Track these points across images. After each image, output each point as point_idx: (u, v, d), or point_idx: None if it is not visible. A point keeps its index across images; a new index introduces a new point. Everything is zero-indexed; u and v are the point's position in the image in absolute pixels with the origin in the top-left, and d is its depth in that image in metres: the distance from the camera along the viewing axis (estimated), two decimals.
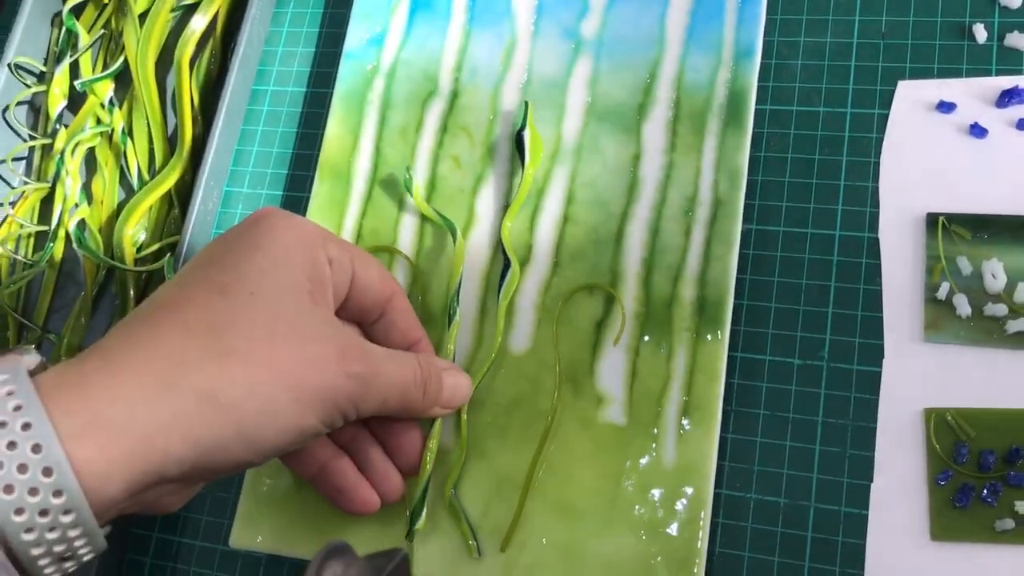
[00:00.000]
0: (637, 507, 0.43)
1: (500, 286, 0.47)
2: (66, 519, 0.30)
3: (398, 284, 0.44)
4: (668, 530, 0.42)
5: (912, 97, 0.47)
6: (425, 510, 0.44)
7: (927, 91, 0.47)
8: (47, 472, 0.30)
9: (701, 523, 0.42)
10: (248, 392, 0.33)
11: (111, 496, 0.31)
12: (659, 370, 0.44)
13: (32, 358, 0.33)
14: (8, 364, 0.31)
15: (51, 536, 0.30)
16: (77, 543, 0.31)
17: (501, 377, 0.46)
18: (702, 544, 0.42)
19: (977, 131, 0.45)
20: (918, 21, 0.48)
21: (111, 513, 0.32)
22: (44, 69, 0.58)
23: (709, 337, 0.44)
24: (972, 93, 0.46)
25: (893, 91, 0.47)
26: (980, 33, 0.47)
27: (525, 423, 0.45)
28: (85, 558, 0.32)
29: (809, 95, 0.48)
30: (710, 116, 0.47)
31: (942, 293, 0.43)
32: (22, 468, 0.29)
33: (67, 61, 0.57)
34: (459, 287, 0.47)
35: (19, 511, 0.29)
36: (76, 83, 0.56)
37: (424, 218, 0.49)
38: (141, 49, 0.55)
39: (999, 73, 0.46)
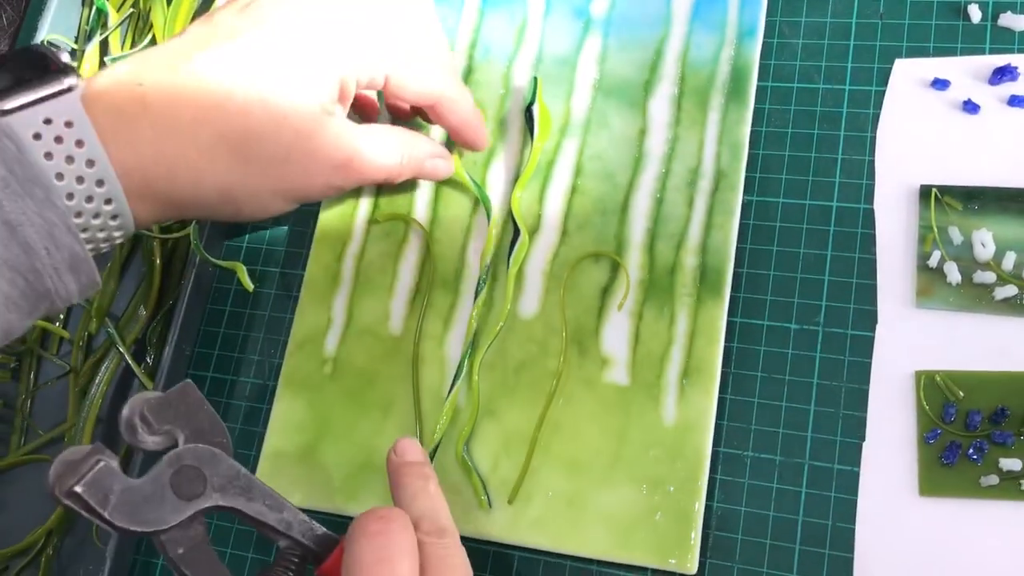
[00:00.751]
0: (639, 463, 0.45)
1: (510, 254, 0.49)
2: (108, 208, 0.39)
3: (447, 93, 0.47)
4: (668, 485, 0.44)
5: (908, 75, 0.49)
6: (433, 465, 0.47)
7: (923, 69, 0.48)
8: (100, 183, 0.38)
9: (700, 479, 0.44)
10: (253, 196, 0.44)
11: (141, 219, 0.42)
12: (661, 334, 0.46)
13: (77, 82, 0.38)
14: (74, 108, 0.38)
15: (96, 222, 0.39)
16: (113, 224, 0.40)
17: (511, 340, 0.48)
18: (700, 499, 0.44)
19: (970, 107, 0.47)
20: (915, 2, 0.49)
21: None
22: (76, 46, 0.61)
23: (709, 303, 0.46)
24: (966, 71, 0.48)
25: (890, 69, 0.49)
26: (975, 13, 0.48)
27: (533, 383, 0.47)
28: (117, 240, 0.41)
29: (809, 72, 0.50)
30: (713, 92, 0.49)
31: (934, 261, 0.45)
32: (80, 179, 0.38)
33: (97, 39, 0.59)
34: (492, 263, 0.49)
35: (78, 214, 0.38)
36: (106, 59, 0.58)
37: (438, 189, 0.51)
38: (168, 27, 0.57)
39: (992, 52, 0.48)
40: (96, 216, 0.39)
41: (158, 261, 0.55)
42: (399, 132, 0.48)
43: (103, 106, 0.39)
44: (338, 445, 0.49)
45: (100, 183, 0.38)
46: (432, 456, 0.47)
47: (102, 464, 0.35)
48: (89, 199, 0.38)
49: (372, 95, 0.51)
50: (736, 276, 0.47)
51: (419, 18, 0.47)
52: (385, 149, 0.47)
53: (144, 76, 0.40)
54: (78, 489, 0.35)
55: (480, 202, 0.51)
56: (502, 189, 0.51)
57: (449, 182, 0.51)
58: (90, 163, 0.38)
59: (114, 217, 0.39)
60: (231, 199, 0.43)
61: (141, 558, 0.51)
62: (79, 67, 0.59)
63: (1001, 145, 0.46)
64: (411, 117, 0.52)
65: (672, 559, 0.43)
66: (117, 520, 0.35)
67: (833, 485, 0.44)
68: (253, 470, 0.49)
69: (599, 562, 0.45)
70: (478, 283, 0.49)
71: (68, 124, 0.37)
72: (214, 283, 0.55)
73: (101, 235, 0.39)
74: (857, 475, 0.44)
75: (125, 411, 0.37)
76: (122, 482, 0.35)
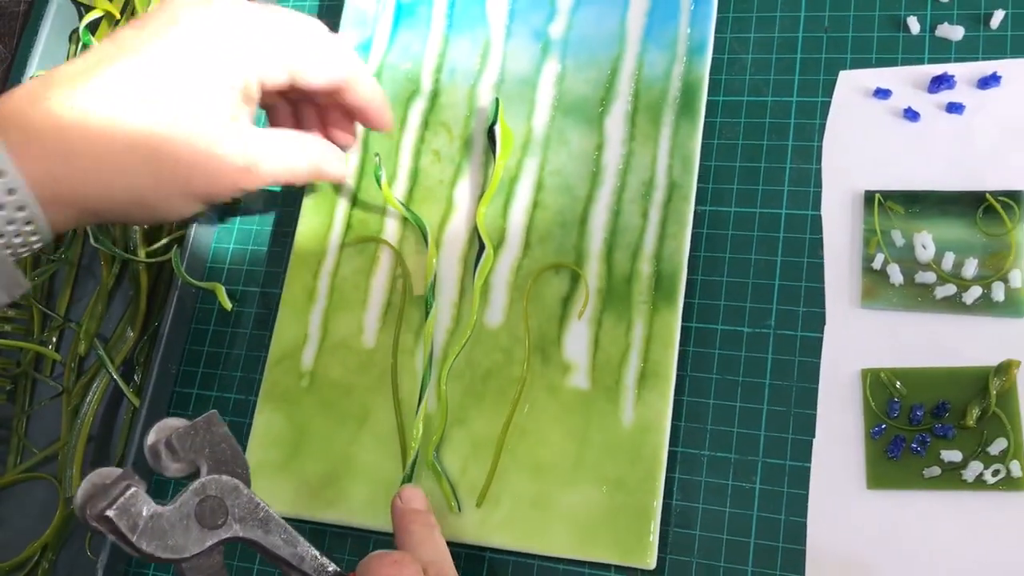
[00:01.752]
0: (599, 464, 0.47)
1: (476, 267, 0.51)
2: (20, 214, 0.41)
3: (353, 72, 0.49)
4: (628, 485, 0.46)
5: (852, 85, 0.51)
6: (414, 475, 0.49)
7: (866, 79, 0.50)
8: (11, 191, 0.40)
9: (658, 478, 0.46)
10: (164, 200, 0.45)
11: (57, 225, 0.43)
12: (619, 340, 0.49)
13: None
14: None
15: (10, 228, 0.41)
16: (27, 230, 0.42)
17: (477, 350, 0.50)
18: (659, 496, 0.46)
19: (910, 115, 0.49)
20: (858, 15, 0.52)
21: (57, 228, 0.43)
22: None
23: (664, 309, 0.48)
24: (906, 80, 0.50)
25: (835, 80, 0.51)
26: (914, 25, 0.50)
27: (499, 390, 0.49)
28: (35, 246, 0.43)
29: (758, 86, 0.52)
30: (666, 108, 0.51)
31: (877, 263, 0.47)
32: None
33: None
34: (434, 282, 0.52)
35: None
36: None
37: (406, 209, 0.54)
38: None
39: (931, 61, 0.50)
40: (10, 223, 0.41)
41: (144, 284, 0.57)
42: (299, 136, 0.50)
43: (13, 120, 0.41)
44: (316, 455, 0.51)
45: (11, 191, 0.40)
46: (412, 467, 0.49)
47: (132, 490, 0.36)
48: (0, 207, 0.40)
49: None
50: (691, 283, 0.49)
51: (308, 20, 0.49)
52: (286, 152, 0.48)
53: (54, 91, 0.42)
54: (110, 513, 0.36)
55: (449, 218, 0.53)
56: (467, 205, 0.53)
57: (417, 202, 0.54)
58: (0, 173, 0.40)
59: (28, 223, 0.41)
60: (143, 203, 0.45)
61: (133, 570, 0.53)
62: None
63: (940, 150, 0.48)
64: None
65: (632, 555, 0.45)
66: (144, 546, 0.36)
67: (785, 481, 0.46)
68: None
69: (565, 560, 0.47)
70: (425, 300, 0.51)
71: None
72: (197, 304, 0.57)
73: (17, 240, 0.42)
74: (808, 470, 0.46)
75: (151, 437, 0.38)
76: (151, 509, 0.36)
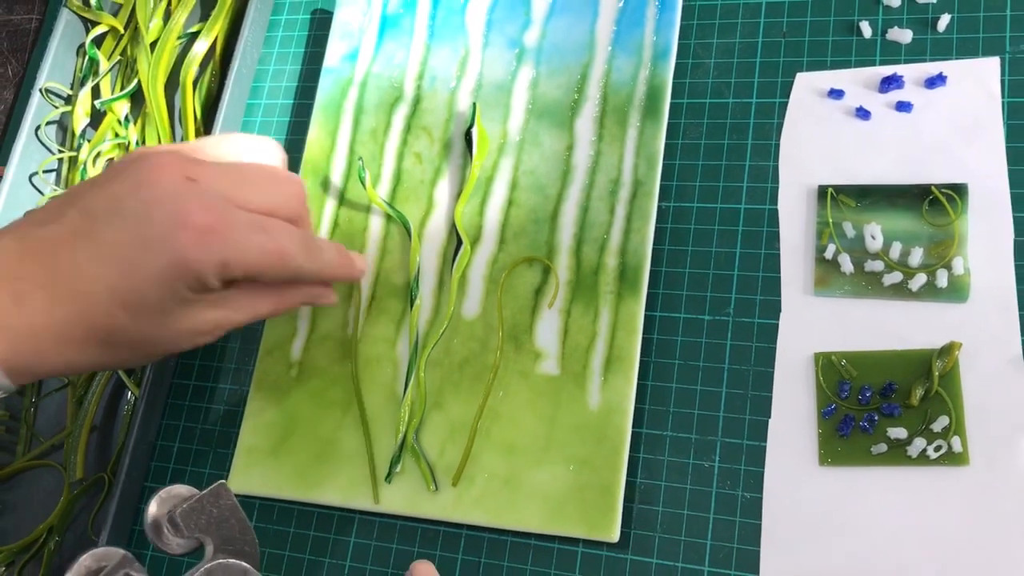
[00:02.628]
0: (567, 445, 0.50)
1: (453, 262, 0.54)
2: None
3: (303, 216, 0.49)
4: (594, 463, 0.49)
5: (808, 86, 0.54)
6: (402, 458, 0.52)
7: (820, 81, 0.53)
8: None
9: (622, 457, 0.49)
10: (123, 364, 0.47)
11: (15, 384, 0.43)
12: (587, 328, 0.51)
13: None
14: None
15: None
16: None
17: (455, 339, 0.53)
18: (623, 474, 0.48)
19: (862, 113, 0.52)
20: (814, 21, 0.55)
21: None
22: (70, 92, 0.67)
23: (629, 299, 0.51)
24: (858, 81, 0.53)
25: (792, 82, 0.54)
26: (866, 29, 0.53)
27: (474, 377, 0.52)
28: None
29: (720, 89, 0.55)
30: (632, 110, 0.54)
31: (829, 253, 0.50)
32: None
33: (89, 85, 0.66)
34: (418, 274, 0.55)
35: None
36: (96, 103, 0.65)
37: (391, 205, 0.57)
38: (152, 72, 0.63)
39: (882, 63, 0.53)
40: None
41: None
42: (251, 295, 0.48)
43: None
44: (303, 440, 0.54)
45: None
46: (400, 451, 0.52)
47: None
48: None
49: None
50: (655, 275, 0.52)
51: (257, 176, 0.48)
52: (246, 313, 0.48)
53: (25, 271, 0.42)
54: None
55: (430, 216, 0.56)
56: (447, 204, 0.56)
57: (400, 202, 0.57)
58: None
59: None
60: (102, 368, 0.47)
61: (132, 550, 0.56)
62: (73, 110, 0.65)
63: (889, 147, 0.51)
64: None
65: (598, 530, 0.48)
66: None
67: (743, 459, 0.49)
68: (230, 466, 0.55)
69: (535, 535, 0.50)
70: (410, 291, 0.54)
71: None
72: None
73: None
74: (764, 449, 0.48)
75: (152, 508, 0.36)
76: None
